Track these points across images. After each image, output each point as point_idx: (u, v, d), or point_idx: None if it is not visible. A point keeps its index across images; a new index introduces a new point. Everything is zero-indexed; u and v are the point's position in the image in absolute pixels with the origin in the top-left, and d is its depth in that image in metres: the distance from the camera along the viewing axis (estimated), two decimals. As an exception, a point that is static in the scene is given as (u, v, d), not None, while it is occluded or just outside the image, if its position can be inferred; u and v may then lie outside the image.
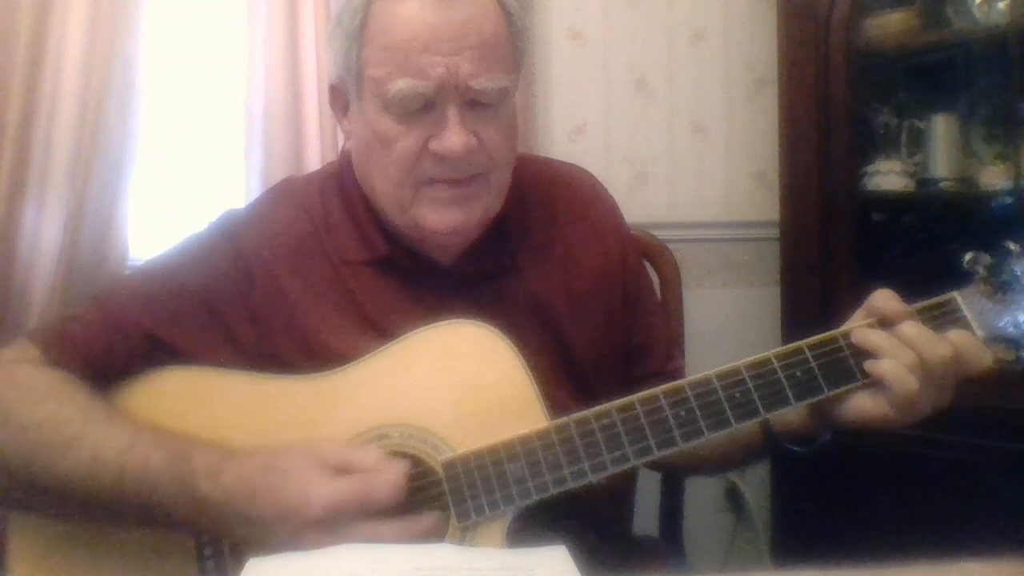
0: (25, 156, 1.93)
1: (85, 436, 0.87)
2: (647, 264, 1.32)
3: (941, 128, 1.97)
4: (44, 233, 1.96)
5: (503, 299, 1.04)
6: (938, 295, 0.95)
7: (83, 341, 0.96)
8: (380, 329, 1.00)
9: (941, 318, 0.93)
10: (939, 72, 2.06)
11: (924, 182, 1.99)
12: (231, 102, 2.16)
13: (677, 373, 1.17)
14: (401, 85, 0.91)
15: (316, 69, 2.09)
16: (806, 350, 0.91)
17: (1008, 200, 1.88)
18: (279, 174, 2.02)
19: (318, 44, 2.09)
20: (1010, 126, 1.92)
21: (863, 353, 0.90)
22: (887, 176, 1.98)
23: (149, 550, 0.90)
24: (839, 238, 1.95)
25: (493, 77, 0.93)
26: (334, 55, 0.99)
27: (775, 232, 2.06)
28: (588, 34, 2.29)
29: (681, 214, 2.31)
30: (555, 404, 0.93)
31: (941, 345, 0.87)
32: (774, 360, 0.91)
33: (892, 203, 2.06)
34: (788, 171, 2.01)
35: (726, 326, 2.25)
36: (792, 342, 0.92)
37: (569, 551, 0.78)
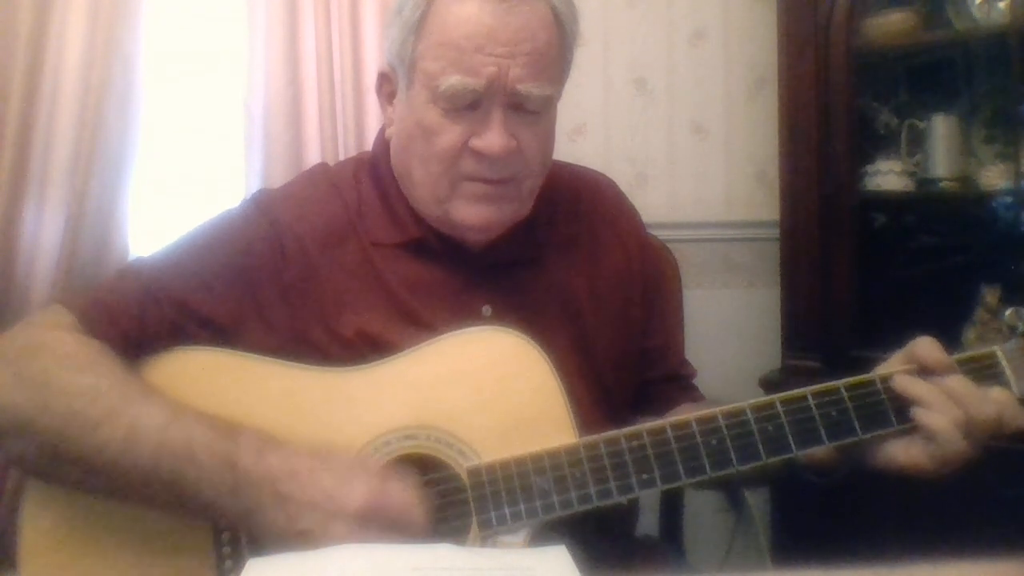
0: (25, 156, 1.93)
1: (122, 411, 0.87)
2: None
3: (941, 128, 1.97)
4: (44, 233, 1.97)
5: (530, 288, 1.06)
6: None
7: (117, 309, 0.97)
8: (408, 310, 1.01)
9: (981, 372, 0.92)
10: (939, 72, 2.06)
11: (924, 182, 1.99)
12: (231, 102, 2.16)
13: (689, 378, 1.19)
14: (453, 81, 0.93)
15: (316, 69, 2.09)
16: (843, 390, 0.91)
17: (1008, 200, 1.88)
18: (279, 174, 2.02)
19: (318, 44, 2.09)
20: (1010, 126, 1.92)
21: (900, 399, 0.90)
22: (887, 176, 1.98)
23: (165, 533, 0.90)
24: (839, 238, 1.95)
25: (540, 84, 0.96)
26: (389, 44, 1.01)
27: (775, 232, 2.06)
28: (588, 34, 2.29)
29: (681, 214, 2.31)
30: (575, 399, 0.94)
31: (988, 405, 0.88)
32: (810, 397, 0.90)
33: (892, 203, 2.06)
34: (788, 171, 2.01)
35: (726, 326, 2.25)
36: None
37: (569, 551, 0.78)
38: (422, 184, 1.01)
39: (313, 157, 2.09)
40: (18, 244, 1.95)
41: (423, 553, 0.77)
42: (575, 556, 0.77)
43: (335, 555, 0.76)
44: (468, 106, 0.95)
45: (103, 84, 1.96)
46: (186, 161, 2.22)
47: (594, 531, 0.91)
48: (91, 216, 1.99)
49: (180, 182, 2.21)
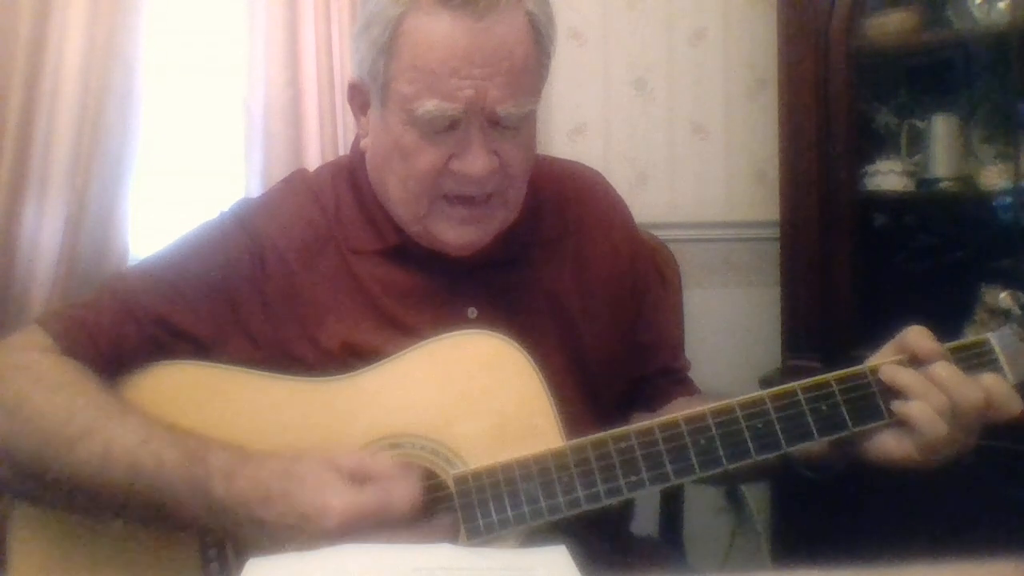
0: (25, 156, 1.93)
1: (97, 430, 0.86)
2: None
3: (941, 128, 1.97)
4: (44, 233, 1.97)
5: (515, 290, 1.05)
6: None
7: (94, 326, 0.95)
8: (391, 317, 1.00)
9: (974, 359, 0.91)
10: (939, 72, 2.06)
11: (924, 182, 1.99)
12: (231, 102, 2.16)
13: (683, 371, 1.18)
14: (430, 106, 0.90)
15: (316, 69, 2.09)
16: (833, 383, 0.89)
17: (1008, 200, 1.88)
18: (279, 174, 2.01)
19: (318, 44, 2.09)
20: (1010, 126, 1.92)
21: (891, 391, 0.88)
22: (887, 176, 1.98)
23: (152, 550, 0.90)
24: (839, 238, 1.95)
25: (519, 102, 0.93)
26: (358, 58, 0.97)
27: (775, 232, 2.06)
28: (588, 34, 2.29)
29: (681, 214, 2.31)
30: (562, 400, 0.93)
31: (973, 390, 0.86)
32: (799, 392, 0.89)
33: (892, 203, 2.06)
34: (788, 171, 2.01)
35: (726, 326, 2.25)
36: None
37: (569, 551, 0.78)
38: (400, 202, 0.99)
39: (313, 157, 2.09)
40: (18, 244, 1.95)
41: (423, 553, 0.77)
42: (574, 556, 0.77)
43: (335, 555, 0.76)
44: (447, 127, 0.92)
45: (103, 84, 1.96)
46: (186, 161, 2.22)
47: (591, 530, 0.91)
48: (91, 216, 1.99)
49: (180, 182, 2.21)
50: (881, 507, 1.71)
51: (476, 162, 0.93)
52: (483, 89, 0.90)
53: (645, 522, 1.34)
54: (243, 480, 0.83)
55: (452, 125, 0.92)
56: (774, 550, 2.12)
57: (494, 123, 0.93)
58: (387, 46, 0.92)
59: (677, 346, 1.23)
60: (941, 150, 1.97)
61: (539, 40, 0.95)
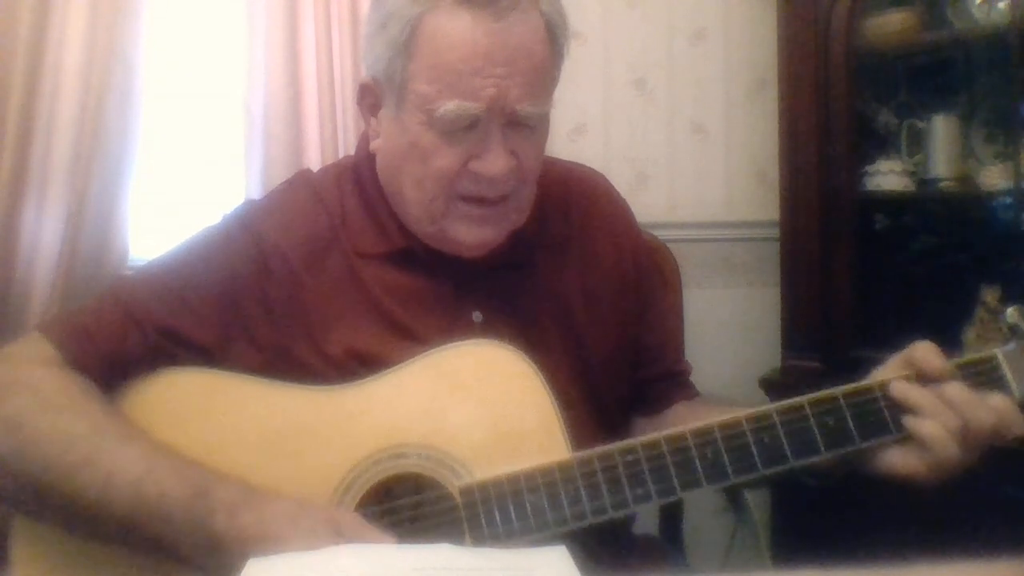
0: (25, 156, 1.93)
1: (100, 457, 0.84)
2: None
3: (941, 128, 1.97)
4: (44, 233, 1.96)
5: (520, 293, 1.04)
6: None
7: (97, 334, 0.95)
8: (396, 322, 0.99)
9: (981, 377, 0.91)
10: (939, 72, 2.06)
11: (924, 182, 1.99)
12: (231, 102, 2.16)
13: (685, 374, 1.18)
14: (451, 106, 0.90)
15: (316, 69, 2.09)
16: (840, 398, 0.89)
17: (1008, 200, 1.88)
18: (279, 174, 2.02)
19: (318, 44, 2.09)
20: (1010, 126, 1.92)
21: (899, 407, 0.89)
22: (887, 176, 1.98)
23: (155, 562, 0.88)
24: (839, 238, 1.95)
25: (538, 102, 0.93)
26: (372, 59, 0.97)
27: (775, 232, 2.06)
28: (588, 34, 2.29)
29: (681, 214, 2.31)
30: (566, 404, 0.93)
31: (985, 412, 0.86)
32: (807, 406, 0.89)
33: (892, 203, 2.06)
34: (788, 171, 2.01)
35: (726, 326, 2.25)
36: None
37: (569, 551, 0.77)
38: (416, 203, 0.98)
39: (313, 157, 2.09)
40: (18, 244, 1.94)
41: (423, 553, 0.77)
42: (574, 556, 0.77)
43: (335, 555, 0.76)
44: (466, 127, 0.92)
45: (103, 84, 1.96)
46: (186, 161, 2.22)
47: (592, 531, 0.91)
48: (91, 216, 1.99)
49: (180, 182, 2.21)
50: (881, 507, 1.70)
51: (497, 162, 0.93)
52: (504, 88, 0.90)
53: (645, 522, 1.33)
54: (247, 516, 0.82)
55: (471, 125, 0.92)
56: (774, 550, 2.12)
57: (513, 123, 0.93)
58: (405, 46, 0.92)
59: (679, 348, 1.23)
60: (941, 150, 1.97)
61: (554, 41, 0.95)
